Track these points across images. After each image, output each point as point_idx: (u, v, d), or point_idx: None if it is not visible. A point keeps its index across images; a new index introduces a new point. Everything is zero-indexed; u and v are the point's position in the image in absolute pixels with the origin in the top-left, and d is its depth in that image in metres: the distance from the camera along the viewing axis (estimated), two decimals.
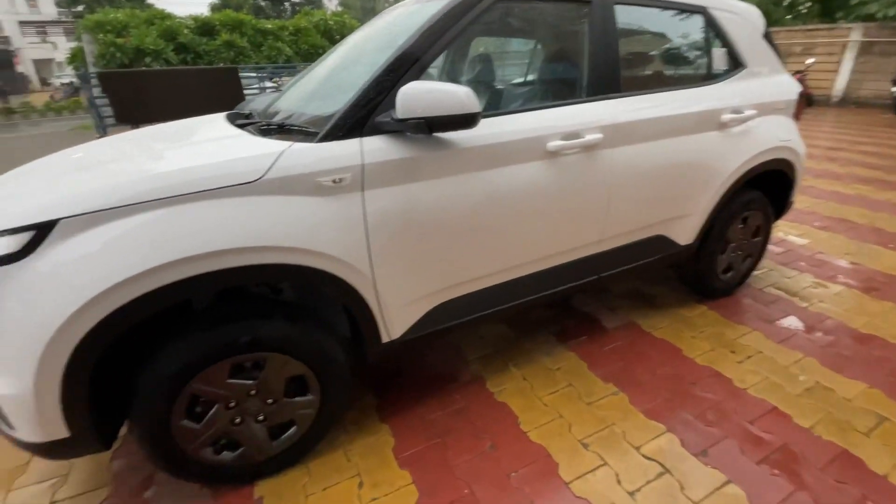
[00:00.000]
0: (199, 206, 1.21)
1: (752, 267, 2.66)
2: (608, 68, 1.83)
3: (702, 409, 1.80)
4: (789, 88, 2.42)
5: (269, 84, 10.02)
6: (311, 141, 1.37)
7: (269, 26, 12.84)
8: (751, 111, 2.20)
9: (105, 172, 1.34)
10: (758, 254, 2.64)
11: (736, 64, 2.26)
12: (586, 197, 1.82)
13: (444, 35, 1.52)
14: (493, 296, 1.78)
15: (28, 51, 34.51)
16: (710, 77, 2.20)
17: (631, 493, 1.47)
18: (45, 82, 34.96)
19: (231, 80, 8.29)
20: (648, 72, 2.16)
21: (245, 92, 8.63)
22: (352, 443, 1.70)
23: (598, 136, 1.75)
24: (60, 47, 33.79)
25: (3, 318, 1.11)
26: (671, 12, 2.11)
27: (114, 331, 1.15)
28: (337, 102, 1.46)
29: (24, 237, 1.10)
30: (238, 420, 1.43)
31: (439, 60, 1.63)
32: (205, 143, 1.56)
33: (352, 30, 14.38)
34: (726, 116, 2.12)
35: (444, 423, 1.77)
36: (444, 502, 1.46)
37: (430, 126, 1.35)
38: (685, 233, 2.21)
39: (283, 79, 9.71)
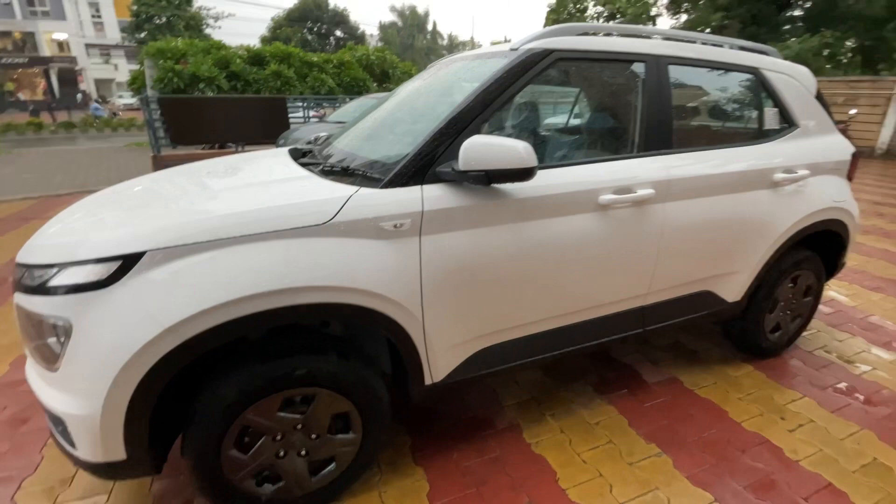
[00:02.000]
0: (271, 245, 1.27)
1: (802, 328, 2.57)
2: (661, 125, 1.86)
3: (752, 479, 1.71)
4: (843, 149, 2.38)
5: (312, 114, 10.48)
6: (375, 186, 1.43)
7: (315, 59, 13.53)
8: (803, 171, 2.18)
9: (185, 208, 1.43)
10: (808, 314, 2.54)
11: (788, 123, 2.25)
12: (635, 250, 1.82)
13: (504, 91, 1.58)
14: (537, 343, 1.77)
15: (91, 71, 37.16)
16: (761, 136, 2.20)
17: None
18: (104, 100, 37.50)
19: (278, 109, 8.71)
20: (700, 129, 2.18)
21: (290, 120, 9.04)
22: (386, 484, 1.68)
23: (650, 191, 1.76)
24: (121, 69, 36.38)
25: (83, 342, 1.17)
26: (723, 72, 2.14)
27: (183, 360, 1.20)
28: (399, 150, 1.53)
29: (112, 266, 1.17)
30: (282, 453, 1.45)
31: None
32: (277, 184, 1.63)
33: (392, 65, 15.04)
34: (778, 175, 2.10)
35: (480, 471, 1.74)
36: None
37: (489, 178, 1.40)
38: (733, 290, 2.16)
39: (326, 109, 10.14)
